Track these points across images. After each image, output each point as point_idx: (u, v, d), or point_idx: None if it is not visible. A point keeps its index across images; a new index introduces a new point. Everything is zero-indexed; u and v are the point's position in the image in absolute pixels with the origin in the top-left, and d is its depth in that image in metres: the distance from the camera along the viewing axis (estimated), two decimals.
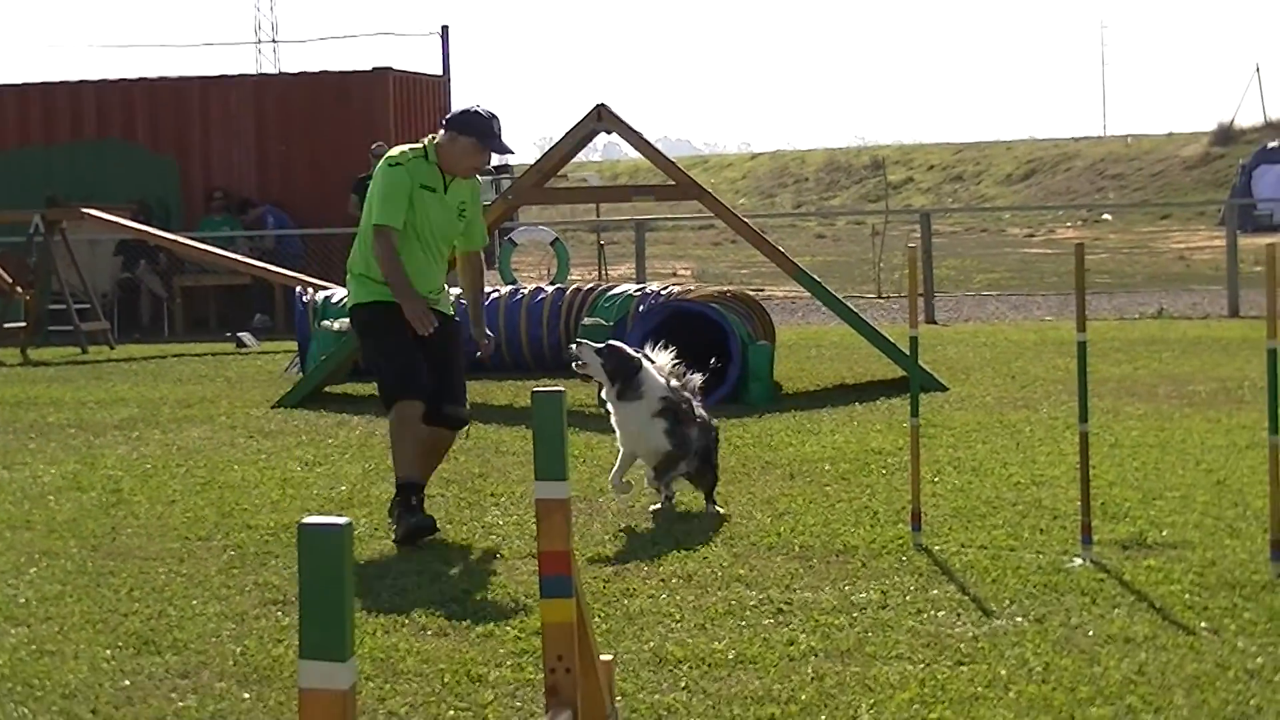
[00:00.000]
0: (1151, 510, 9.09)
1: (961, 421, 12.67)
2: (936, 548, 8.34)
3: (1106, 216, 50.23)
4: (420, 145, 9.35)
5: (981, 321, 23.66)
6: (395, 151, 9.36)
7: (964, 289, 29.59)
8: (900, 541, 8.48)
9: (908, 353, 9.13)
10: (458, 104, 10.18)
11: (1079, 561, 7.94)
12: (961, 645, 6.61)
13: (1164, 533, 8.52)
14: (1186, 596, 7.26)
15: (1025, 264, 35.83)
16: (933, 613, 7.13)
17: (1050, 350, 17.84)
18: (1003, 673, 6.22)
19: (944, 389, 14.57)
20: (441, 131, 9.34)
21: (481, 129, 9.25)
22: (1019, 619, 6.99)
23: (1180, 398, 13.82)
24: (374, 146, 23.12)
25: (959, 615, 7.08)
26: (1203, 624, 6.82)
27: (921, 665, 6.36)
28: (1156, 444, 11.36)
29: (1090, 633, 6.75)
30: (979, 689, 6.05)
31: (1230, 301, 23.07)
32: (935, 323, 23.49)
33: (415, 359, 9.13)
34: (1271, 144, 47.78)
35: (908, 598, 7.38)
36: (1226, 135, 59.22)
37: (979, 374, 16.01)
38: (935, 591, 7.48)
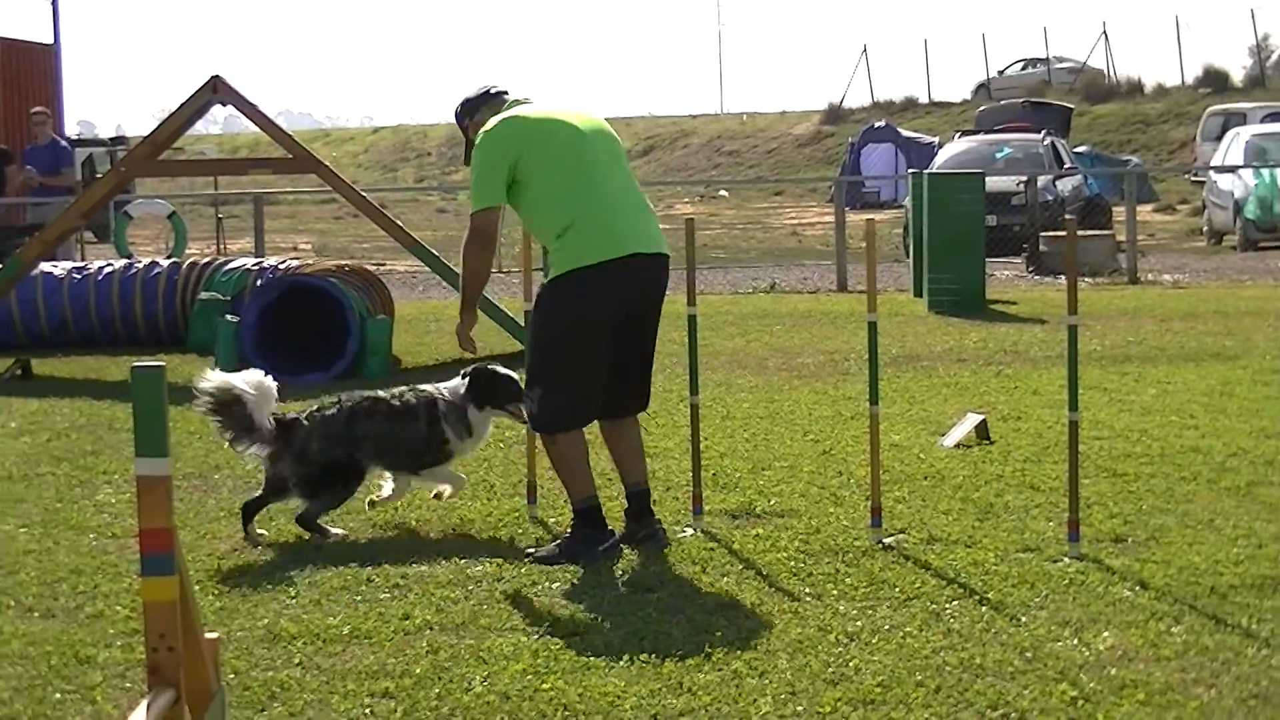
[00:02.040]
0: (760, 480, 9.33)
1: None
2: (552, 520, 8.43)
3: (723, 193, 51.23)
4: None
5: None
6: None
7: None
8: (517, 514, 8.55)
9: (524, 326, 9.19)
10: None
11: (690, 531, 8.11)
12: (575, 616, 6.70)
13: (772, 502, 8.75)
14: (792, 563, 7.47)
15: None
16: (547, 584, 7.20)
17: (666, 324, 18.03)
18: (615, 642, 6.32)
19: None
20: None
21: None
22: (629, 590, 7.11)
23: (789, 370, 14.20)
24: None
25: (573, 586, 7.17)
26: (806, 590, 7.03)
27: (535, 636, 6.42)
28: (766, 415, 11.66)
29: (700, 600, 6.91)
30: (591, 658, 6.13)
31: (839, 275, 23.75)
32: None
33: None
34: (878, 123, 49.35)
35: (523, 569, 7.44)
36: (836, 114, 60.95)
37: None
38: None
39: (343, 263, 18.32)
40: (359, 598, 7.01)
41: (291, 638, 6.43)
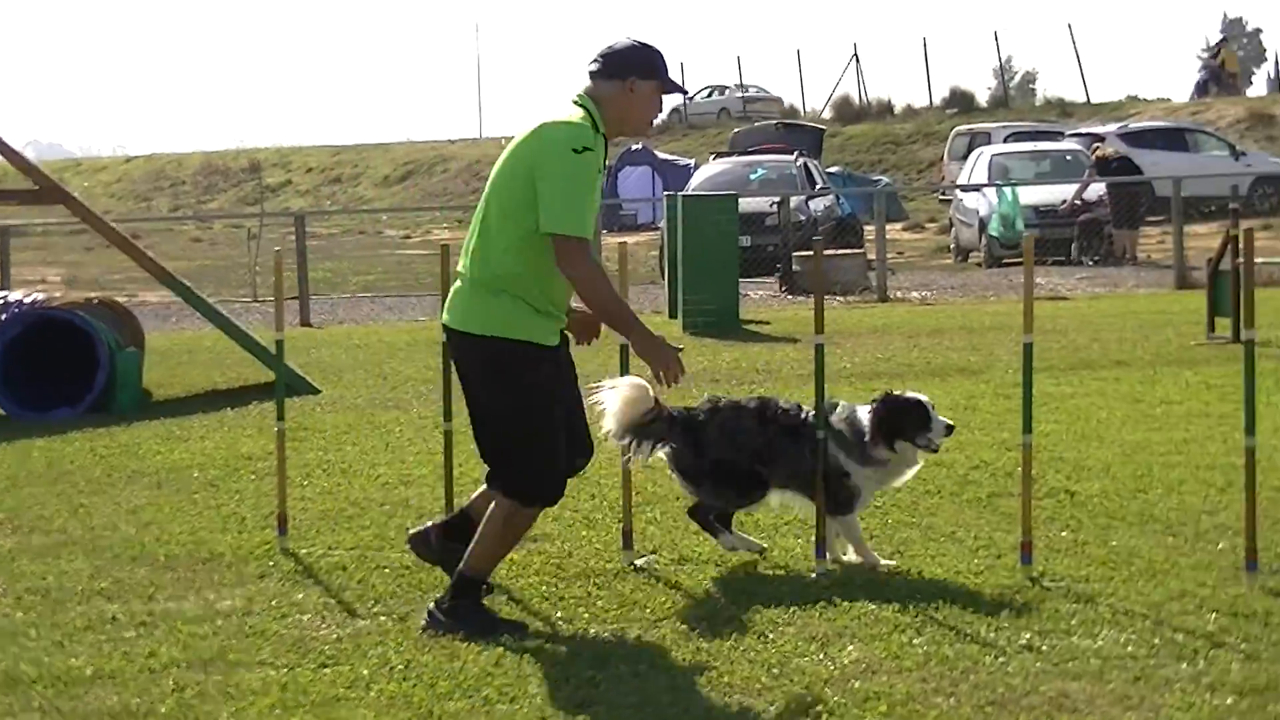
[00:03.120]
0: None
1: (333, 424, 12.72)
2: (303, 551, 8.36)
3: None
4: (583, 110, 6.84)
5: (356, 323, 23.80)
6: (572, 127, 6.75)
7: (340, 291, 29.67)
8: (267, 546, 8.46)
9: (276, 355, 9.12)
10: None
11: None
12: (325, 647, 6.66)
13: None
14: (544, 588, 7.50)
15: (402, 265, 36.18)
16: (297, 616, 7.15)
17: (424, 350, 18.07)
18: (365, 672, 6.29)
19: (316, 391, 14.59)
20: (595, 81, 6.91)
21: (663, 67, 7.01)
22: (383, 619, 7.08)
23: None
24: None
25: (324, 618, 7.13)
26: (559, 614, 7.07)
27: (284, 669, 6.37)
28: None
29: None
30: (341, 690, 6.11)
31: None
32: (310, 325, 23.49)
33: (561, 439, 7.00)
34: (635, 146, 49.64)
35: (273, 602, 7.38)
36: None
37: (352, 375, 16.10)
38: (301, 595, 7.50)
39: (91, 295, 17.97)
40: (103, 637, 6.89)
41: (31, 681, 6.30)
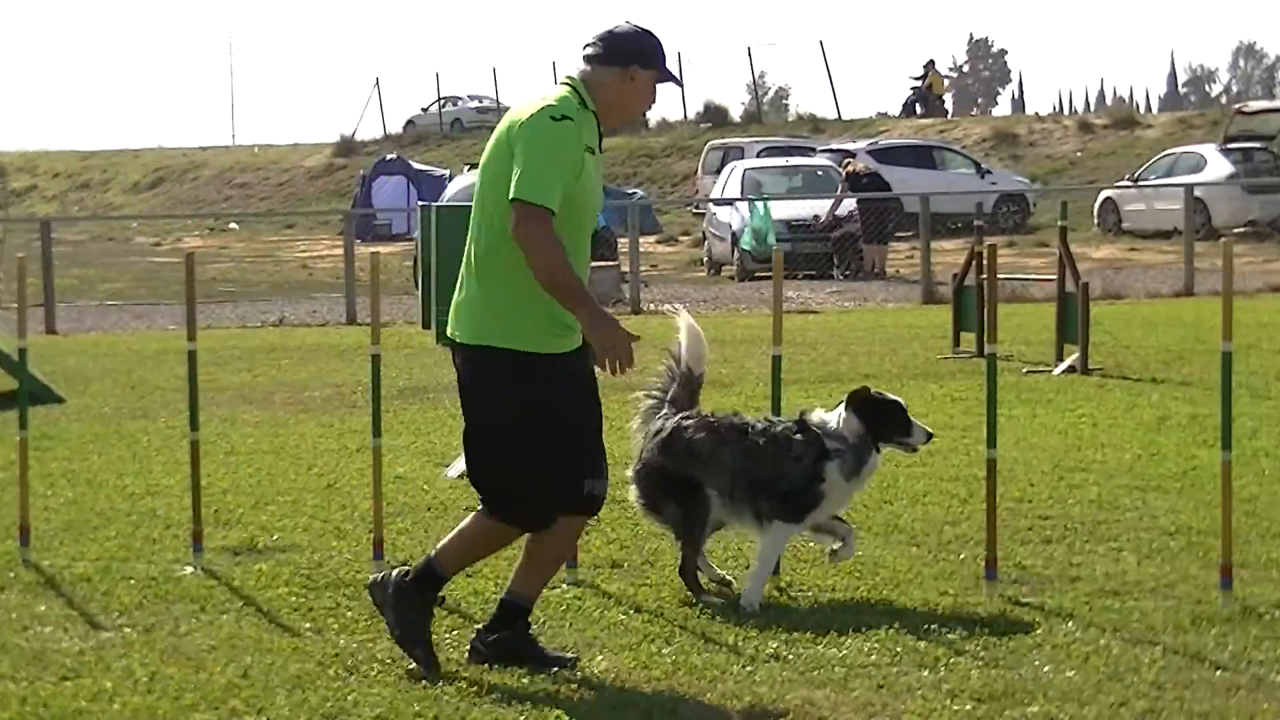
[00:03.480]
0: (263, 515, 9.25)
1: (78, 433, 12.47)
2: (46, 563, 8.18)
3: (233, 225, 50.49)
4: (570, 88, 6.48)
5: (104, 331, 23.35)
6: (555, 99, 6.40)
7: (88, 298, 29.08)
8: (8, 557, 8.27)
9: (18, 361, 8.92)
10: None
11: (189, 569, 7.98)
12: (67, 660, 6.53)
13: (275, 537, 8.68)
14: (293, 598, 7.44)
15: (151, 272, 35.55)
16: (38, 628, 7.00)
17: (173, 359, 17.78)
18: (108, 685, 6.18)
19: (61, 400, 14.29)
20: (592, 66, 6.53)
21: (660, 55, 6.64)
22: (127, 630, 6.96)
23: (296, 404, 14.11)
24: None
25: (66, 630, 6.99)
26: (307, 624, 7.01)
27: (24, 683, 6.23)
28: (271, 450, 11.56)
29: (198, 639, 6.81)
30: (83, 703, 5.99)
31: (348, 308, 23.68)
32: (56, 333, 23.00)
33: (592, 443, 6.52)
34: (390, 155, 49.39)
35: (13, 615, 7.22)
36: (348, 146, 60.79)
37: (99, 384, 15.80)
38: (42, 607, 7.35)
39: None
40: None
41: None
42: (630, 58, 6.53)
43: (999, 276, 8.02)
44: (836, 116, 55.34)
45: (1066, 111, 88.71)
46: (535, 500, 6.40)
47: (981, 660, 6.38)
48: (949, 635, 6.71)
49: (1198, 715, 5.71)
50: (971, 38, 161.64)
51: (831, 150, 39.04)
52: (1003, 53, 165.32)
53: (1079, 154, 48.17)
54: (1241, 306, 19.74)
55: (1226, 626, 6.73)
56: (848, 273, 29.30)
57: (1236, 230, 34.48)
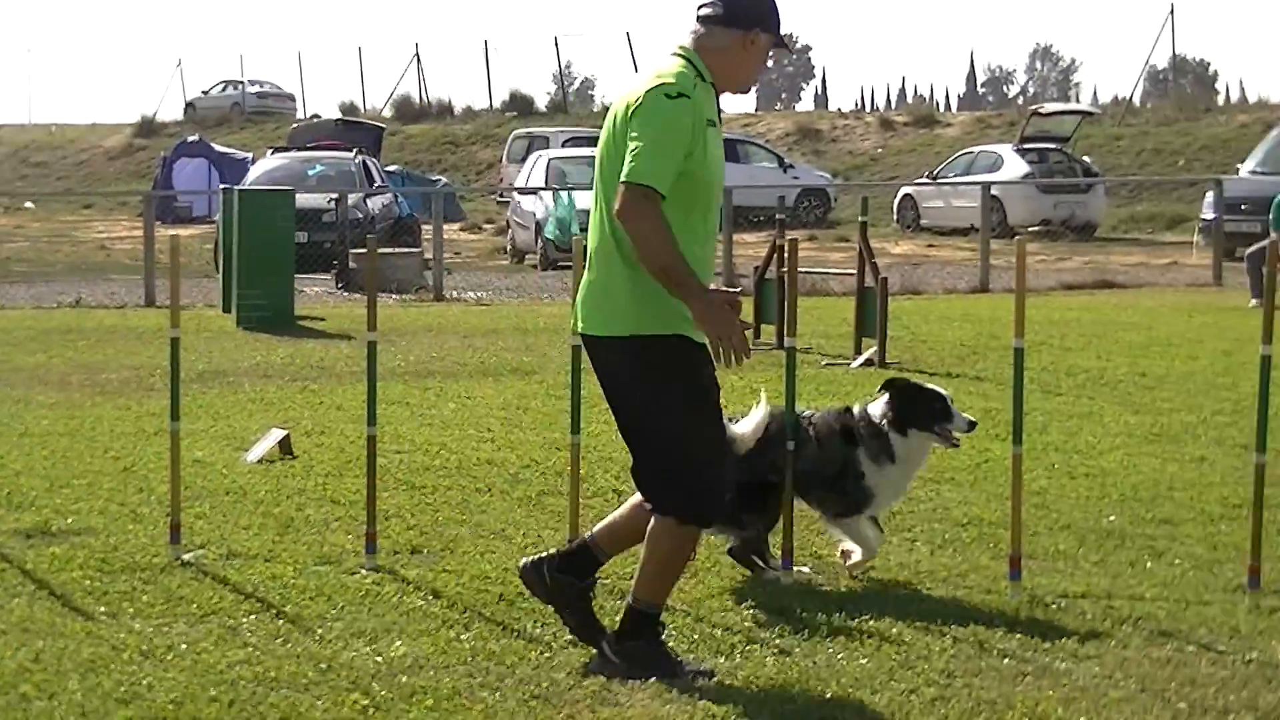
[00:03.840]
0: (58, 498, 9.10)
1: None
2: None
3: (29, 204, 49.46)
4: (684, 59, 6.14)
5: None
6: (670, 74, 6.05)
7: None
8: None
9: None
10: None
11: None
12: None
13: (69, 520, 8.55)
14: (87, 582, 7.34)
15: None
16: None
17: None
18: None
19: None
20: (708, 28, 6.16)
21: (777, 19, 6.28)
22: None
23: (93, 386, 13.88)
24: None
25: None
26: (101, 609, 6.93)
27: None
28: (66, 432, 11.37)
29: None
30: None
31: (147, 291, 23.31)
32: None
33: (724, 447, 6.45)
34: (191, 137, 48.73)
35: None
36: (149, 127, 59.89)
37: None
38: None
39: None
40: None
41: None
42: (754, 21, 6.17)
43: (799, 270, 8.13)
44: None
45: (868, 109, 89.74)
46: (715, 489, 6.15)
47: (776, 648, 6.48)
48: (746, 623, 6.81)
49: (985, 702, 5.84)
50: None
51: None
52: (807, 49, 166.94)
53: (880, 151, 48.89)
54: (1034, 304, 20.18)
55: (1015, 616, 6.90)
56: None
57: (1031, 229, 35.18)
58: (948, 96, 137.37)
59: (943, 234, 36.57)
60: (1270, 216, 21.93)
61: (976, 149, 40.21)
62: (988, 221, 26.12)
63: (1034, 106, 44.84)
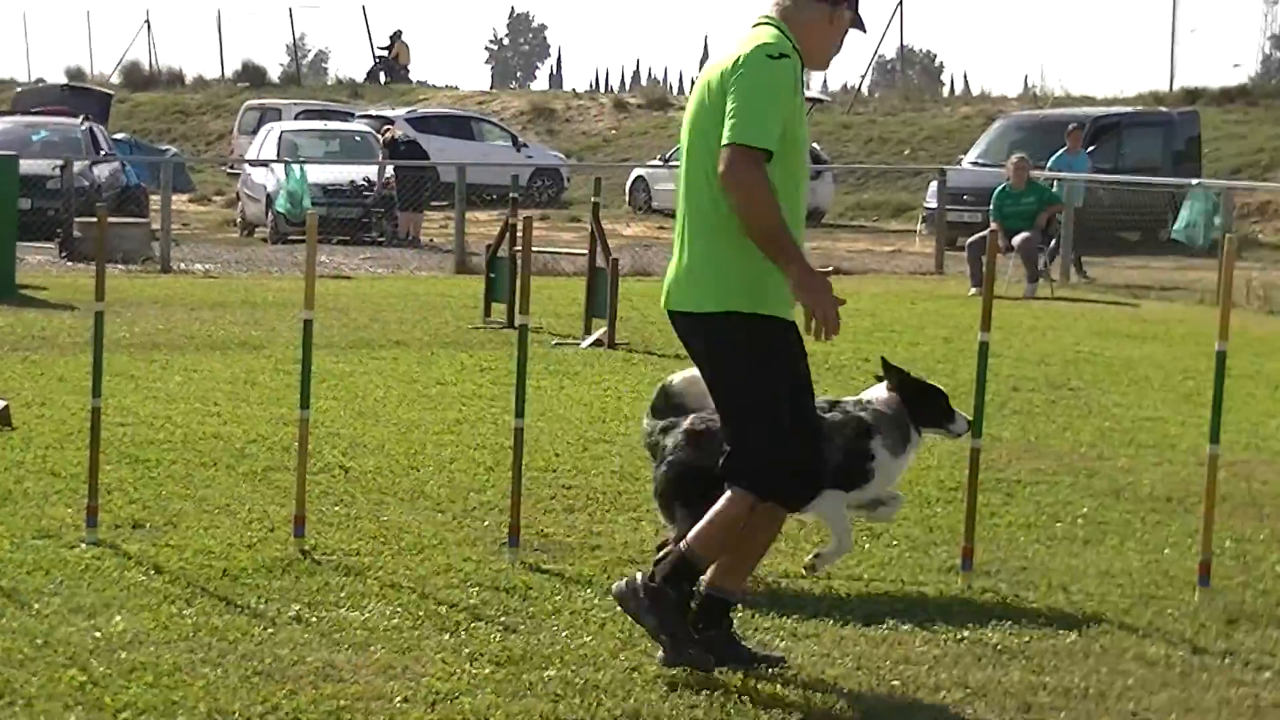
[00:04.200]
0: None
1: None
2: None
3: None
4: (774, 27, 5.98)
5: None
6: (768, 36, 5.90)
7: None
8: None
9: None
10: None
11: None
12: None
13: None
14: None
15: None
16: None
17: None
18: None
19: None
20: (797, 2, 6.02)
21: None
22: None
23: None
24: None
25: None
26: None
27: None
28: None
29: None
30: None
31: None
32: None
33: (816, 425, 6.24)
34: None
35: None
36: None
37: None
38: None
39: None
40: None
41: None
42: None
43: (532, 249, 8.16)
44: (376, 82, 55.17)
45: (603, 90, 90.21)
46: (809, 470, 6.06)
47: (502, 625, 6.51)
48: (470, 600, 6.83)
49: (705, 679, 5.93)
50: (513, 11, 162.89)
51: (370, 116, 38.94)
52: (543, 28, 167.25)
53: (613, 132, 49.13)
54: None
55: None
56: (382, 239, 29.27)
57: None
58: (681, 79, 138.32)
59: (674, 216, 36.78)
60: (991, 207, 22.60)
61: None
62: None
63: None
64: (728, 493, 6.02)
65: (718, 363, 6.04)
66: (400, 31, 57.07)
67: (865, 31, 6.21)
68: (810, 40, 6.00)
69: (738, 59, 5.82)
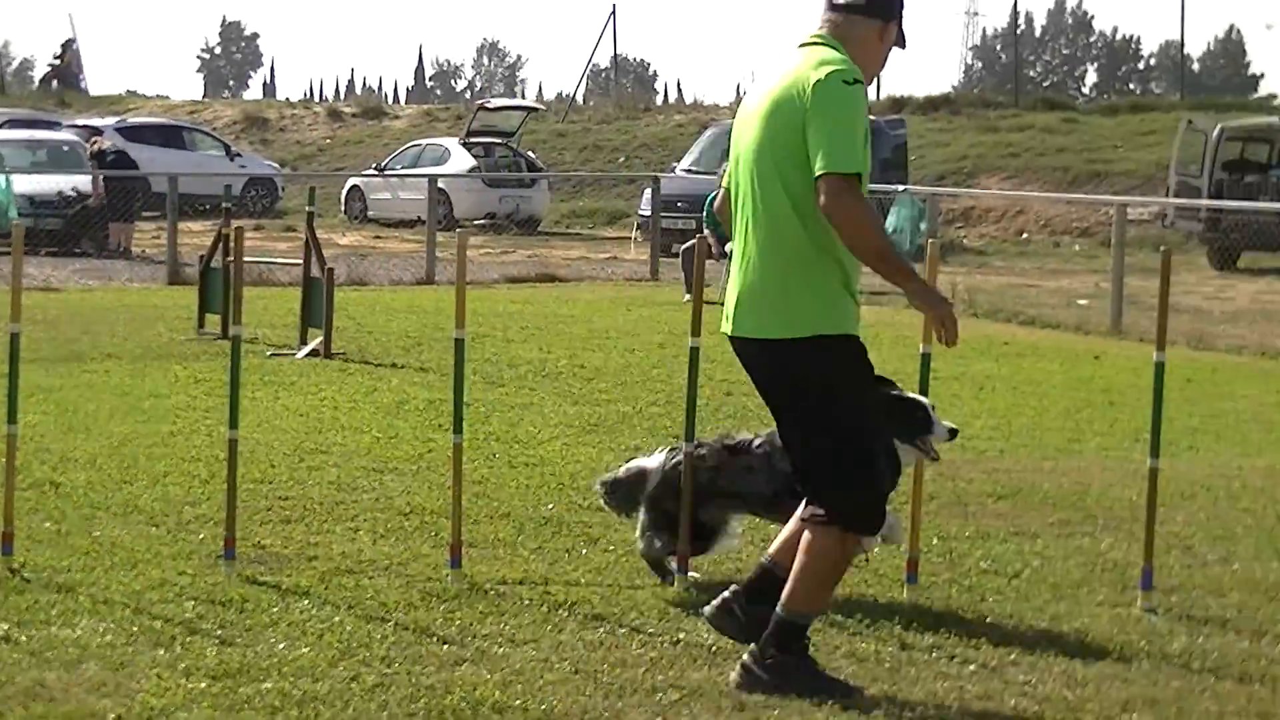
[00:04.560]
0: None
1: None
2: None
3: None
4: (831, 47, 5.99)
5: None
6: (837, 61, 5.90)
7: None
8: None
9: None
10: None
11: None
12: None
13: None
14: None
15: None
16: None
17: None
18: None
19: None
20: (847, 16, 6.04)
21: (903, 10, 6.20)
22: None
23: None
24: None
25: None
26: None
27: None
28: None
29: None
30: None
31: None
32: None
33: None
34: None
35: None
36: None
37: None
38: None
39: None
40: None
41: None
42: (891, 12, 6.10)
43: (245, 259, 8.10)
44: (85, 92, 54.02)
45: (317, 99, 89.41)
46: (884, 495, 6.16)
47: (218, 638, 6.45)
48: (186, 614, 6.75)
49: (425, 688, 5.95)
50: (225, 20, 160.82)
51: (78, 126, 38.10)
52: (255, 36, 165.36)
53: (328, 141, 48.76)
54: (478, 296, 20.54)
55: (454, 603, 7.04)
56: (91, 251, 28.66)
57: (477, 222, 35.73)
58: (396, 89, 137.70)
59: (390, 225, 36.74)
60: (704, 214, 22.91)
61: (424, 142, 40.59)
62: (434, 214, 26.36)
63: (480, 101, 45.47)
64: (807, 536, 6.06)
65: (791, 388, 6.05)
66: (72, 40, 56.73)
67: (905, 48, 6.25)
68: (862, 56, 6.03)
69: (814, 84, 5.84)
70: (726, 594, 6.36)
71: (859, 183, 5.79)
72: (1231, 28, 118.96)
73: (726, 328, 6.17)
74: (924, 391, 7.42)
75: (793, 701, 5.94)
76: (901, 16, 6.14)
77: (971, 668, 6.43)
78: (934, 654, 6.59)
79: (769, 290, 5.98)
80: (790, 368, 5.99)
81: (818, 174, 5.77)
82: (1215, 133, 31.08)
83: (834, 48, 5.98)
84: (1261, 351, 17.65)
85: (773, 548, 6.43)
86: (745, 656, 6.11)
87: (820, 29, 6.06)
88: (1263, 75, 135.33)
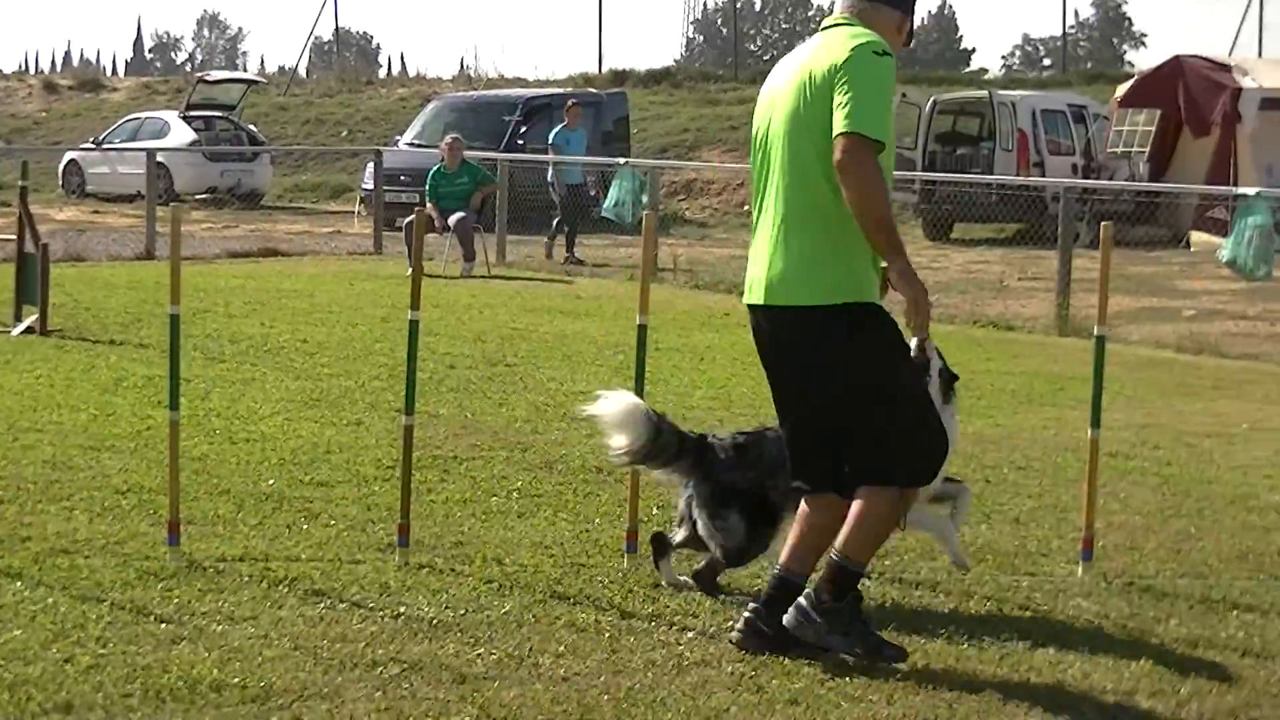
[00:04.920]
0: None
1: None
2: None
3: None
4: (853, 25, 6.10)
5: None
6: (867, 35, 5.99)
7: None
8: None
9: None
10: None
11: None
12: None
13: None
14: None
15: None
16: None
17: None
18: None
19: None
20: (880, 5, 6.15)
21: (914, 6, 6.29)
22: None
23: None
24: None
25: None
26: None
27: None
28: None
29: None
30: None
31: None
32: None
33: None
34: None
35: None
36: None
37: None
38: None
39: None
40: None
41: None
42: (910, 4, 6.23)
43: None
44: None
45: (32, 71, 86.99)
46: (931, 448, 6.22)
47: None
48: None
49: (141, 668, 5.88)
50: None
51: None
52: None
53: (43, 114, 47.57)
54: (200, 271, 20.26)
55: (172, 581, 6.97)
56: None
57: (199, 196, 35.18)
58: (114, 61, 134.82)
59: (109, 200, 35.99)
60: (426, 187, 22.86)
61: (143, 115, 39.76)
62: (154, 188, 25.88)
63: (201, 74, 44.68)
64: (861, 504, 6.11)
65: (825, 357, 6.08)
66: None
67: (910, 46, 6.39)
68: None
69: (847, 52, 5.91)
70: (748, 614, 6.33)
71: (876, 149, 5.86)
72: (944, 3, 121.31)
73: (756, 297, 6.21)
74: (641, 362, 7.54)
75: (512, 671, 6.00)
76: (913, 13, 6.30)
77: (690, 634, 6.54)
78: (653, 622, 6.68)
79: (800, 258, 6.07)
80: (829, 334, 6.06)
81: (839, 131, 5.85)
82: (928, 106, 31.85)
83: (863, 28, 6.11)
84: (973, 320, 18.17)
85: (783, 557, 6.41)
86: (748, 611, 6.28)
87: (843, 13, 6.20)
88: (974, 50, 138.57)
